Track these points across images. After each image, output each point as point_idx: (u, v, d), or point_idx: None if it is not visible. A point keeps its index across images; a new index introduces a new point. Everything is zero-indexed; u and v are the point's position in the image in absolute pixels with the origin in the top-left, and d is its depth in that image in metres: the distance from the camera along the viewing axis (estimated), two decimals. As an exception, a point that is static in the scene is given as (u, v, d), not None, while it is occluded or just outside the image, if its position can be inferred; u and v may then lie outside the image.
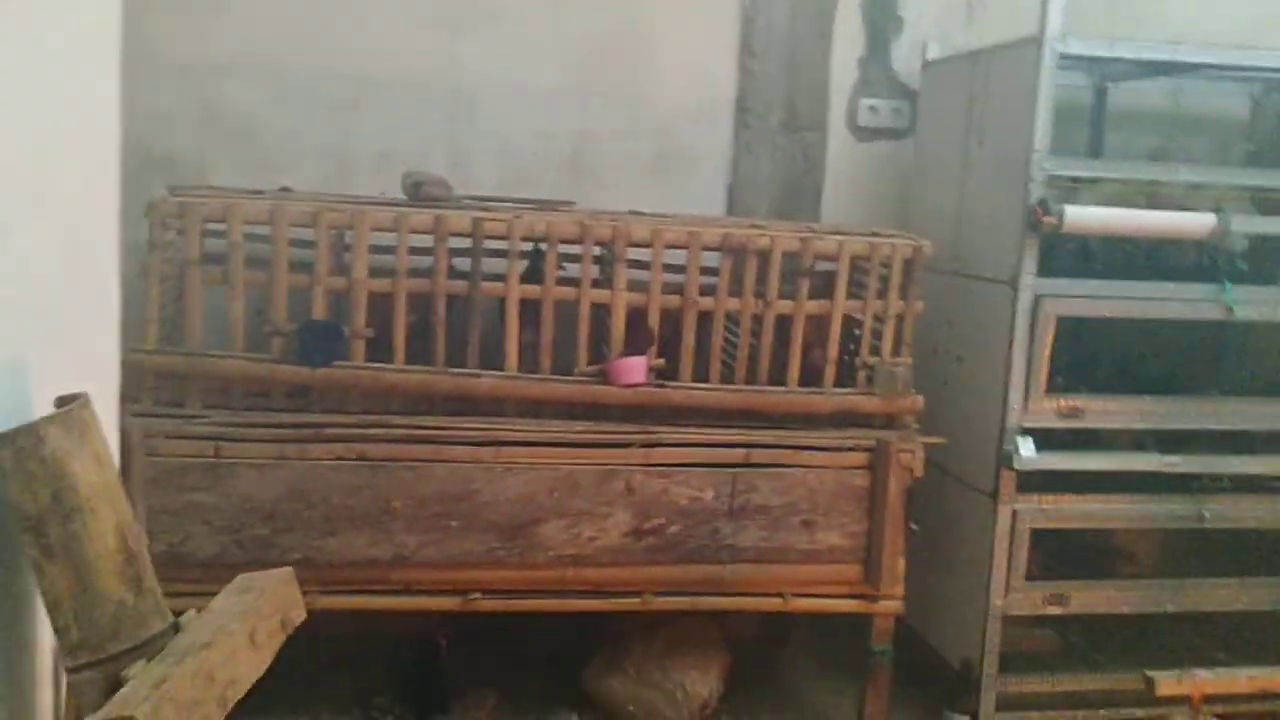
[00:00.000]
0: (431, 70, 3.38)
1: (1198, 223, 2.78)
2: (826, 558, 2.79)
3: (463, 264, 2.73)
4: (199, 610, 1.61)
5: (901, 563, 2.83)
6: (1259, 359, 3.24)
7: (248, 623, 1.53)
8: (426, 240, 2.66)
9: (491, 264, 2.70)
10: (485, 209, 2.81)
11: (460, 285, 2.69)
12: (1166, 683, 1.91)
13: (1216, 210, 2.82)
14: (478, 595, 2.67)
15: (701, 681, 3.03)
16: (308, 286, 2.62)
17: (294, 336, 2.61)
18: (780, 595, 2.79)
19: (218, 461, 2.54)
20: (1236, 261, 2.98)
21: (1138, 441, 2.98)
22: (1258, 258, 3.00)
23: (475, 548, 2.65)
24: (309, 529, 2.58)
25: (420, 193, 2.85)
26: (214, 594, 1.67)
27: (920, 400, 2.87)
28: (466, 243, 2.69)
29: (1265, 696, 2.08)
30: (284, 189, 3.02)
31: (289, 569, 1.68)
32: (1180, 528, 3.04)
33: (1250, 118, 3.54)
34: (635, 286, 2.75)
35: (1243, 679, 1.93)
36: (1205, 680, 1.91)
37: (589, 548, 2.68)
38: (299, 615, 1.64)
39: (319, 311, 2.63)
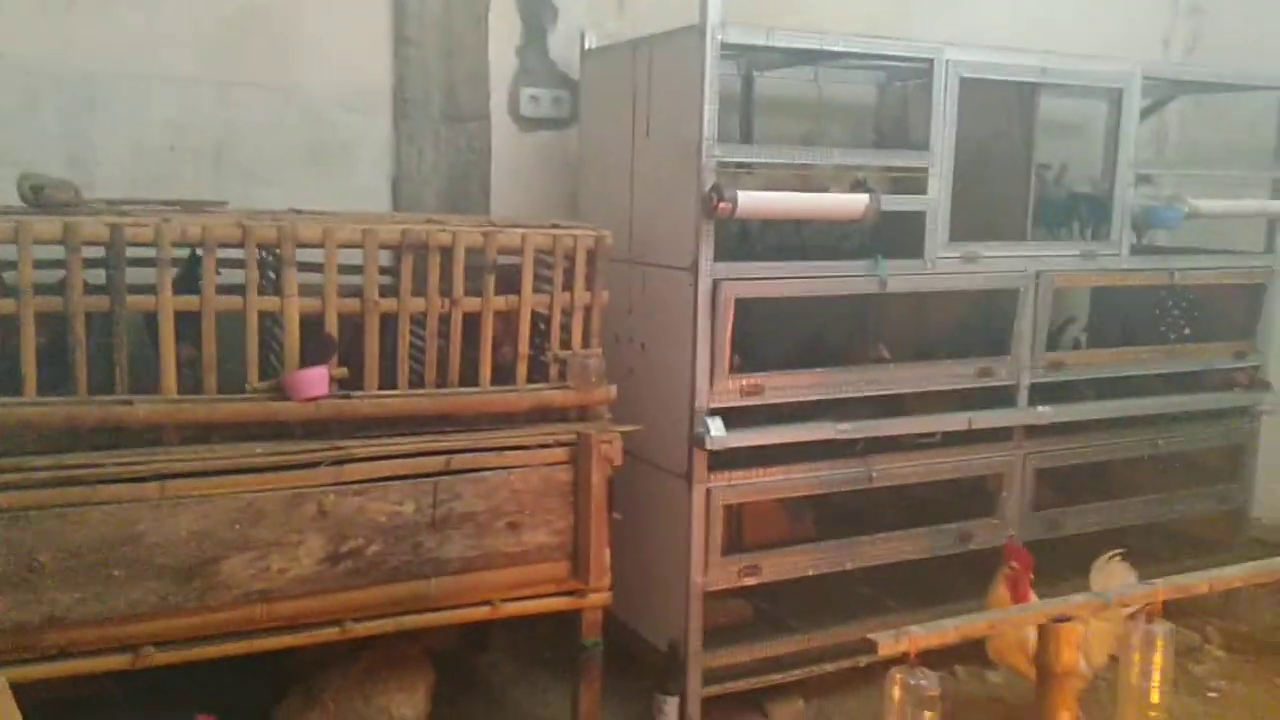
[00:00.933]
0: (40, 56, 2.94)
1: (855, 203, 2.95)
2: (534, 558, 2.71)
3: (101, 277, 2.40)
4: None
5: (607, 555, 2.80)
6: (906, 326, 3.50)
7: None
8: (56, 252, 2.31)
9: (136, 274, 2.39)
10: (124, 213, 2.47)
11: (100, 301, 2.36)
12: (885, 644, 1.98)
13: (867, 190, 3.01)
14: (150, 649, 2.36)
15: (407, 703, 2.86)
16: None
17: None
18: (489, 603, 2.69)
19: None
20: (874, 238, 3.22)
21: (815, 412, 3.12)
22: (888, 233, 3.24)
23: (145, 597, 2.33)
24: (-69, 601, 2.17)
25: (43, 198, 2.47)
26: None
27: (613, 390, 2.85)
28: (104, 252, 2.36)
29: (969, 640, 2.23)
30: None
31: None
32: (854, 489, 3.23)
33: (877, 104, 3.81)
34: (307, 291, 2.53)
35: (950, 630, 2.04)
36: (918, 635, 2.00)
37: (280, 580, 2.44)
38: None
39: (-77, 342, 2.21)
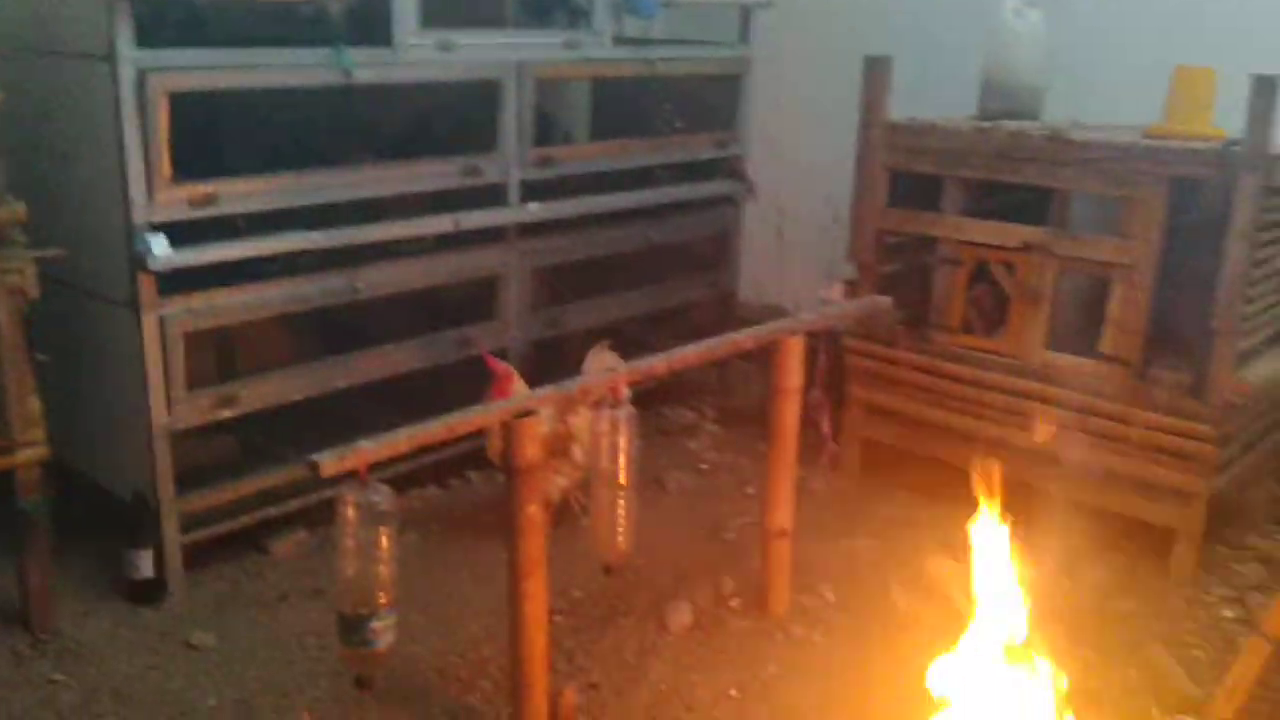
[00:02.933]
0: None
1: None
2: (-68, 417, 2.26)
3: None
4: None
5: (36, 402, 2.41)
6: (390, 125, 3.25)
7: None
8: None
9: None
10: None
11: None
12: (329, 463, 1.82)
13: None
14: None
15: None
16: None
17: None
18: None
19: None
20: (350, 25, 2.92)
21: (286, 221, 2.82)
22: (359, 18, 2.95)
23: None
24: None
25: None
26: None
27: (22, 209, 2.37)
28: None
29: (423, 450, 2.11)
30: None
31: None
32: (337, 303, 3.00)
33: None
34: None
35: (401, 440, 1.91)
36: (367, 450, 1.85)
37: None
38: None
39: None
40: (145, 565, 2.70)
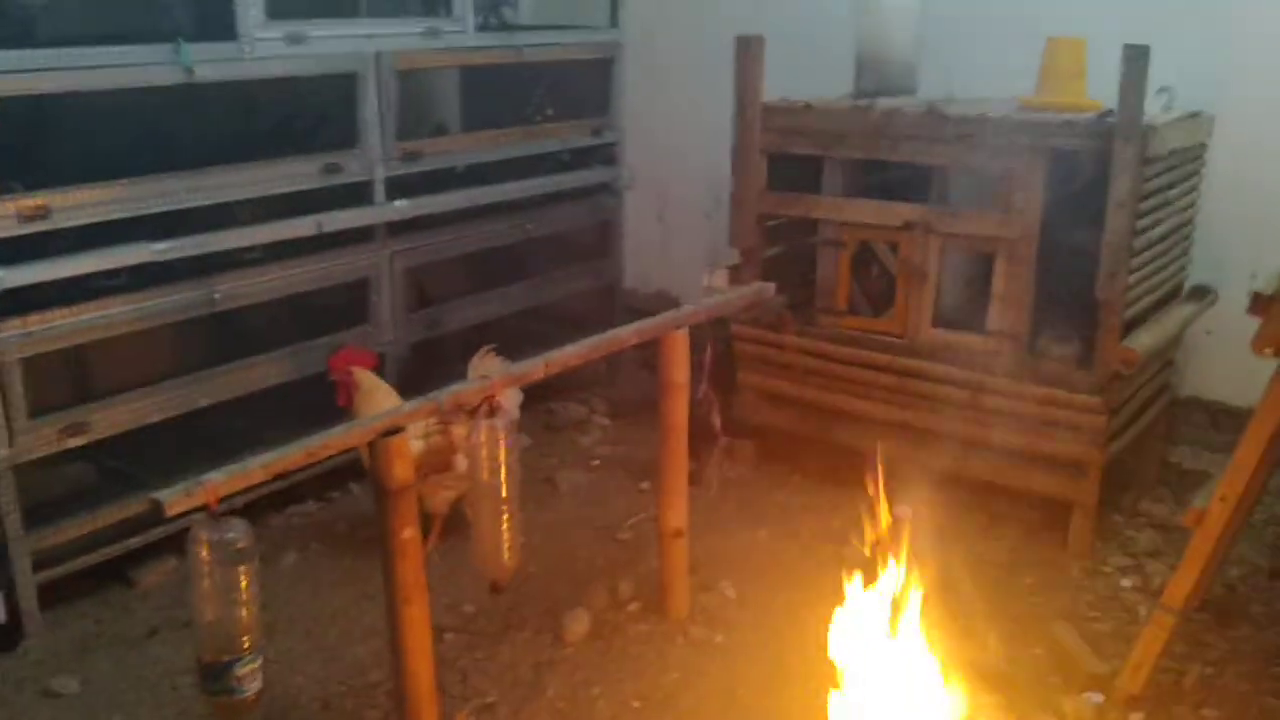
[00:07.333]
0: None
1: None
2: None
3: None
4: None
5: None
6: (228, 122, 3.05)
7: None
8: None
9: None
10: None
11: None
12: (175, 500, 1.66)
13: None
14: None
15: None
16: None
17: None
18: None
19: None
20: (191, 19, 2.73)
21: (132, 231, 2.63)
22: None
23: None
24: None
25: None
26: None
27: None
28: None
29: (282, 477, 1.95)
30: None
31: None
32: (193, 316, 2.81)
33: None
34: None
35: (256, 469, 1.76)
36: (217, 483, 1.70)
37: None
38: None
39: None
40: (-5, 610, 2.49)
